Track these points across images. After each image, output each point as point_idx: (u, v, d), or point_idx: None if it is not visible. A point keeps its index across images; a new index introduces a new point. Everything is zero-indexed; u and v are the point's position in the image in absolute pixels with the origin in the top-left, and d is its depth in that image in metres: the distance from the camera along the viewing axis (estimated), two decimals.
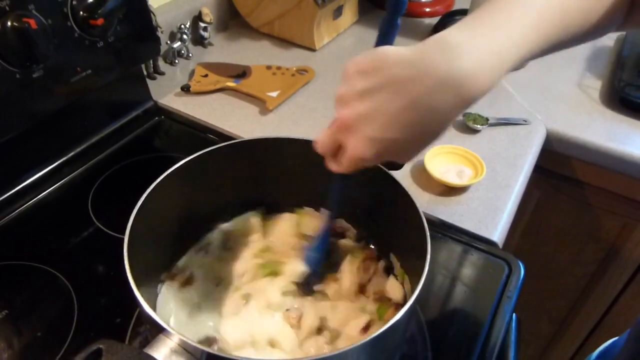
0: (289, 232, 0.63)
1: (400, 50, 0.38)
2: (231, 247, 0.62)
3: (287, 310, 0.54)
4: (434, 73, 0.36)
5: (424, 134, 0.39)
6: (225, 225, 0.64)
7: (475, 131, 0.89)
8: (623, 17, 0.48)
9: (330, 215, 0.55)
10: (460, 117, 0.90)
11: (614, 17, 0.47)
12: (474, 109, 0.90)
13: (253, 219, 0.64)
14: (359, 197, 0.57)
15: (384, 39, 0.43)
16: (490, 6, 0.40)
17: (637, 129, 0.93)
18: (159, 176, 0.52)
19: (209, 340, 0.51)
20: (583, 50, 1.14)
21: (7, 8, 0.61)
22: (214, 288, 0.57)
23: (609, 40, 1.18)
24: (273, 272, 0.58)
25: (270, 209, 0.66)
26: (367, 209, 0.60)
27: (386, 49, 0.39)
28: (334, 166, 0.45)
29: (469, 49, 0.36)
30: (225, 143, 0.57)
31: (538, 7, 0.40)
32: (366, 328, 0.52)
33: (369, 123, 0.38)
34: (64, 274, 0.64)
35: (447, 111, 0.37)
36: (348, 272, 0.58)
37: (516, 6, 0.40)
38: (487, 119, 0.90)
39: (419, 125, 0.38)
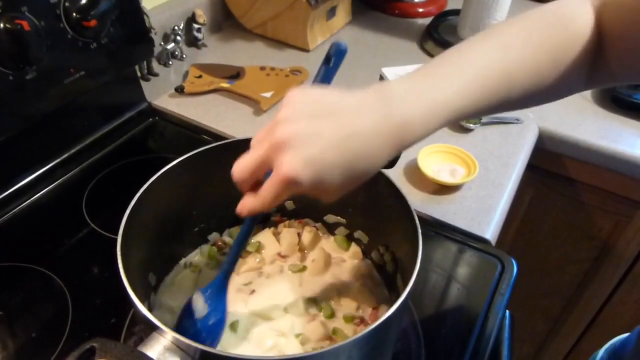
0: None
1: (344, 92, 0.41)
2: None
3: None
4: (373, 112, 0.40)
5: (357, 167, 0.40)
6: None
7: (468, 130, 0.90)
8: (584, 79, 0.49)
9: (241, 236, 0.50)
10: None
11: (573, 79, 0.48)
12: None
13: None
14: (352, 196, 0.57)
15: (323, 80, 0.46)
16: (435, 61, 0.45)
17: (628, 127, 0.94)
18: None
19: None
20: None
21: (0, 10, 0.61)
22: None
23: None
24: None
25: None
26: (360, 207, 0.60)
27: (333, 88, 0.42)
28: (250, 201, 0.42)
29: (402, 98, 0.41)
30: (219, 142, 0.57)
31: (478, 65, 0.44)
32: None
33: (311, 143, 0.38)
34: (59, 275, 0.64)
35: (381, 149, 0.41)
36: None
37: (457, 64, 0.44)
38: (479, 118, 0.90)
39: (356, 156, 0.40)
